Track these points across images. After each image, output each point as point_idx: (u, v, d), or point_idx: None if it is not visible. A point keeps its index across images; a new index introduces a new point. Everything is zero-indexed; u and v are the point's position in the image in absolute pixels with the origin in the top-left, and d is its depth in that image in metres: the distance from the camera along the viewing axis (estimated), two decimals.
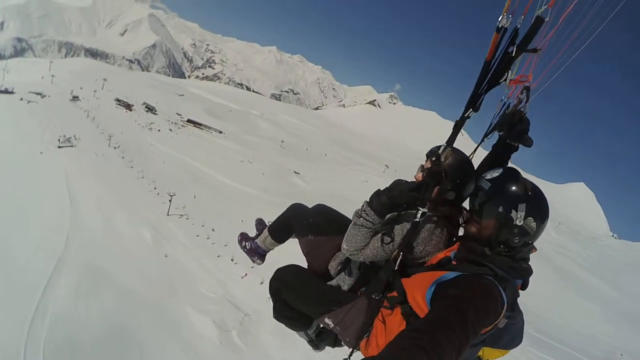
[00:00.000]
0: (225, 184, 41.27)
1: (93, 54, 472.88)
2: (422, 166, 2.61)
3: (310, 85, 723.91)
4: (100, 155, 31.83)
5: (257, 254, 3.62)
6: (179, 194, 25.55)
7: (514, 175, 2.30)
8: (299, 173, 68.07)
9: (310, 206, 3.43)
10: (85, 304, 13.28)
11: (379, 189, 2.36)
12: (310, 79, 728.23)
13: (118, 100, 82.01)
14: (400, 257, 2.32)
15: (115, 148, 38.48)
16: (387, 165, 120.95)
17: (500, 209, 2.17)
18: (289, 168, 68.49)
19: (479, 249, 2.20)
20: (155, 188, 27.84)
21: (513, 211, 2.15)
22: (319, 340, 3.16)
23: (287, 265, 3.00)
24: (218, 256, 22.24)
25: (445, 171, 2.37)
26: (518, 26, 1.94)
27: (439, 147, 2.56)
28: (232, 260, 22.93)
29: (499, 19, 1.93)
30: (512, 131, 2.37)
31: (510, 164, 2.65)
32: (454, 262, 2.22)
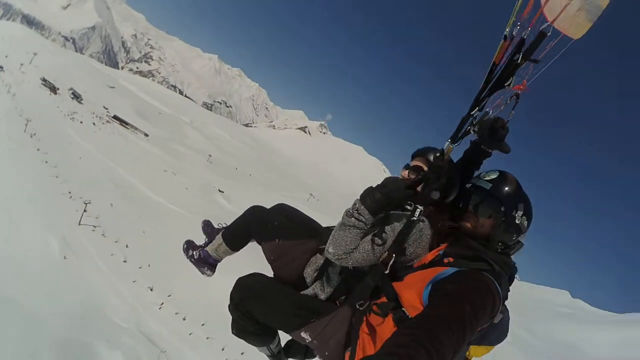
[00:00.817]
0: (146, 196, 38.39)
1: (30, 22, 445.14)
2: (409, 165, 2.68)
3: (244, 101, 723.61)
4: (14, 140, 27.64)
5: (207, 264, 3.28)
6: (93, 201, 23.11)
7: (511, 177, 2.43)
8: (223, 192, 66.16)
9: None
10: None
11: (371, 187, 2.30)
12: (246, 94, 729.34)
13: (44, 80, 76.39)
14: (393, 259, 2.26)
15: (31, 136, 33.89)
16: (311, 194, 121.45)
17: (502, 209, 2.28)
18: (214, 185, 66.36)
19: (475, 245, 2.25)
20: (69, 192, 24.32)
21: (514, 210, 2.29)
22: (286, 354, 2.96)
23: (252, 274, 2.76)
24: (134, 281, 20.02)
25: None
26: (524, 37, 2.13)
27: (428, 148, 2.71)
28: (150, 289, 21.08)
29: (507, 29, 2.19)
30: (492, 137, 2.41)
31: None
32: (449, 259, 2.22)
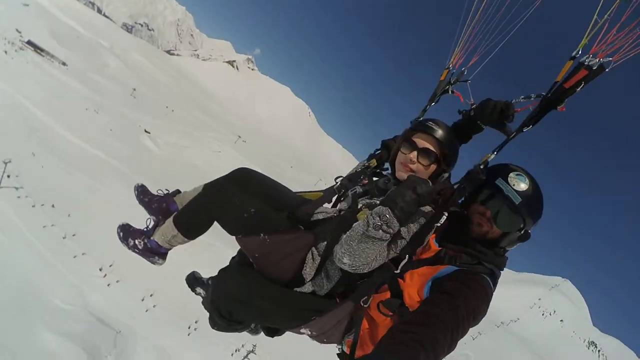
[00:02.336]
0: (68, 141, 34.30)
1: None
2: (407, 138, 2.51)
3: (167, 25, 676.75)
4: None
5: (158, 253, 2.88)
6: (8, 153, 19.93)
7: (540, 191, 2.33)
8: (149, 133, 61.54)
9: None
10: None
11: (398, 189, 2.18)
12: (170, 17, 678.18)
13: None
14: (405, 260, 2.22)
15: None
16: (239, 136, 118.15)
17: (522, 225, 2.22)
18: (139, 125, 61.29)
19: (482, 250, 2.23)
20: None
21: (533, 226, 2.27)
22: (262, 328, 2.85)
23: (232, 274, 2.53)
24: (74, 257, 18.16)
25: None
26: (593, 66, 2.10)
27: (430, 123, 2.51)
28: (83, 254, 19.34)
29: (578, 51, 2.12)
30: (499, 118, 2.35)
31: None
32: (451, 258, 2.23)
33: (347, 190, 2.73)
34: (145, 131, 61.58)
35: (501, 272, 2.32)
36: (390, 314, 2.21)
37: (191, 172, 52.91)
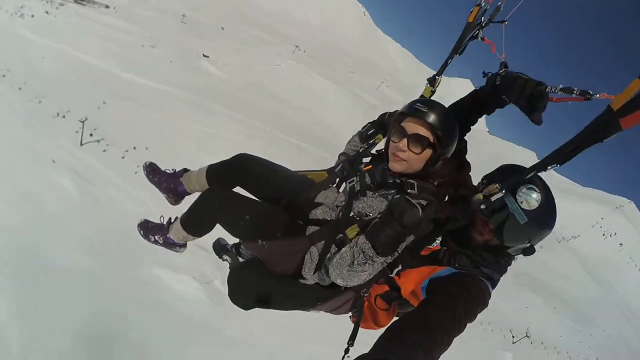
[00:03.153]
0: (132, 82, 34.07)
1: None
2: (403, 129, 2.48)
3: None
4: None
5: (177, 245, 3.27)
6: (79, 108, 19.94)
7: (552, 205, 2.17)
8: (208, 56, 60.15)
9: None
10: (36, 317, 9.66)
11: (379, 221, 2.08)
12: None
13: None
14: (399, 268, 2.37)
15: None
16: (297, 46, 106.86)
17: (528, 243, 2.24)
18: (197, 50, 59.99)
19: (481, 253, 2.23)
20: (58, 113, 19.27)
21: (539, 241, 2.24)
22: None
23: (241, 277, 2.66)
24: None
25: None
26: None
27: (430, 106, 2.38)
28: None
29: None
30: (529, 103, 1.98)
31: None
32: (448, 254, 2.29)
33: (345, 179, 2.74)
34: (204, 55, 60.29)
35: (501, 276, 2.38)
36: (387, 306, 2.61)
37: (257, 90, 51.56)
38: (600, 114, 1.62)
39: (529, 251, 2.20)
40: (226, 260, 2.88)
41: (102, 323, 9.86)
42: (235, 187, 2.99)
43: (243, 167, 2.93)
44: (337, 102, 58.71)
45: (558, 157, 1.77)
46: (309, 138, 42.17)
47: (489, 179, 2.35)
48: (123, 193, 16.32)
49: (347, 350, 2.48)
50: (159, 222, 3.44)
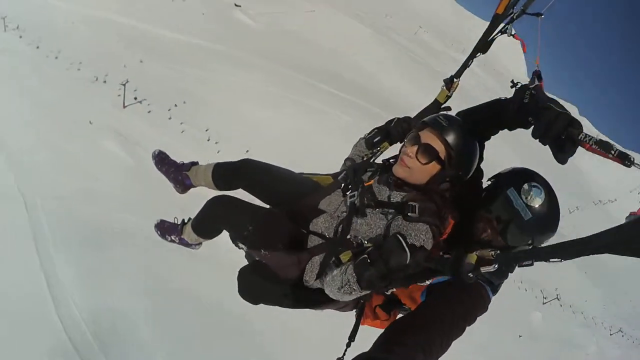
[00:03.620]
0: (166, 38, 33.28)
1: None
2: (418, 137, 2.37)
3: None
4: None
5: (193, 245, 3.43)
6: (117, 70, 19.42)
7: (556, 206, 2.09)
8: (240, 6, 57.87)
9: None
10: (104, 285, 9.57)
11: (365, 258, 2.07)
12: None
13: None
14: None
15: (14, 29, 24.54)
16: None
17: (530, 241, 2.10)
18: (227, 1, 57.71)
19: None
20: (97, 78, 19.12)
21: (543, 243, 2.11)
22: None
23: (247, 281, 2.68)
24: (218, 152, 17.65)
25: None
26: None
27: (449, 123, 2.35)
28: (218, 151, 19.16)
29: None
30: (557, 140, 1.78)
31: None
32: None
33: (348, 188, 2.66)
34: (236, 5, 58.28)
35: (503, 281, 2.29)
36: (387, 317, 2.56)
37: (292, 39, 50.41)
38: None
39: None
40: (242, 248, 2.83)
41: (161, 279, 9.72)
42: (238, 189, 3.01)
43: (248, 172, 2.98)
44: (375, 50, 55.34)
45: (567, 252, 1.57)
46: (343, 85, 40.28)
47: (495, 178, 2.32)
48: (172, 152, 15.78)
49: (348, 345, 2.47)
50: (174, 222, 3.53)
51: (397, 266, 1.98)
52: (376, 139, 2.83)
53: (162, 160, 3.48)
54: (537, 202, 2.01)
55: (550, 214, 2.07)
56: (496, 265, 1.80)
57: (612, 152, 1.67)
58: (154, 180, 12.93)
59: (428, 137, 2.32)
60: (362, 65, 49.26)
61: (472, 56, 2.61)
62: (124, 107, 16.87)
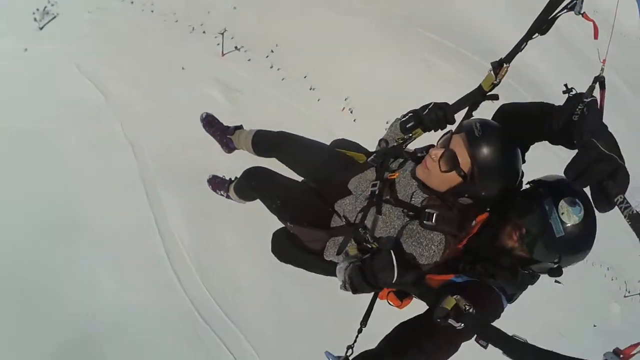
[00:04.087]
0: None
1: None
2: (449, 140, 2.21)
3: None
4: (94, 10, 22.61)
5: (240, 202, 3.75)
6: (210, 18, 18.75)
7: (593, 227, 1.90)
8: None
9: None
10: (208, 225, 9.07)
11: (358, 266, 2.17)
12: None
13: None
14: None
15: None
16: None
17: (557, 260, 1.97)
18: None
19: (500, 263, 2.02)
20: (194, 28, 19.68)
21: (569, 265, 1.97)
22: None
23: (281, 244, 2.94)
24: (318, 100, 16.41)
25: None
26: None
27: (483, 128, 2.13)
28: (318, 99, 17.97)
29: None
30: (601, 192, 1.57)
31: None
32: (465, 269, 2.11)
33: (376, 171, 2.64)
34: None
35: (521, 292, 2.18)
36: (399, 303, 2.57)
37: None
38: None
39: (555, 272, 1.93)
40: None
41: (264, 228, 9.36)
42: (274, 157, 3.22)
43: (282, 145, 3.18)
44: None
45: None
46: (452, 36, 36.10)
47: (535, 184, 2.09)
48: (273, 100, 14.99)
49: (360, 331, 2.47)
50: (223, 178, 3.94)
51: (384, 282, 2.01)
52: (409, 125, 2.61)
53: (209, 123, 3.80)
54: (573, 220, 1.82)
55: (584, 236, 1.86)
56: (462, 324, 1.69)
57: None
58: (255, 126, 12.09)
59: (457, 143, 2.14)
60: (475, 17, 43.88)
61: (527, 38, 2.21)
62: (223, 55, 16.01)
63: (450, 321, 1.74)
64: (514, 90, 21.77)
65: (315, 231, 2.66)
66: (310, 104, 16.63)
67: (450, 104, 2.56)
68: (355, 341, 2.37)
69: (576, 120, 1.76)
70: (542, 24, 2.12)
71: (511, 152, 2.06)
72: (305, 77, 19.80)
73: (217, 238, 9.12)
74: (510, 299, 2.14)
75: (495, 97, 2.46)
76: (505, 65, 2.36)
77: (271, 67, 17.19)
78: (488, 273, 2.02)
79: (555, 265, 1.95)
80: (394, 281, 1.97)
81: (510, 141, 2.07)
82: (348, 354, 2.31)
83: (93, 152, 9.33)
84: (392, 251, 2.03)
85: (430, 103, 2.59)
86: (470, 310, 1.72)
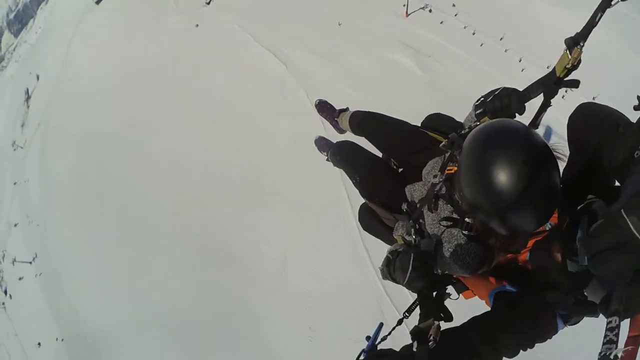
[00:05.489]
0: None
1: None
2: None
3: None
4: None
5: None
6: None
7: None
8: None
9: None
10: None
11: (398, 262, 2.13)
12: None
13: None
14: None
15: None
16: None
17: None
18: None
19: (556, 282, 1.91)
20: None
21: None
22: None
23: (364, 216, 3.15)
24: (522, 70, 14.04)
25: None
26: None
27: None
28: (505, 51, 15.22)
29: None
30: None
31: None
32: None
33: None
34: None
35: (582, 317, 2.00)
36: (457, 293, 2.53)
37: None
38: None
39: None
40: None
41: None
42: (363, 137, 3.40)
43: (368, 125, 3.37)
44: None
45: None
46: None
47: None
48: (469, 66, 12.50)
49: (400, 322, 2.20)
50: (329, 141, 4.22)
51: (397, 281, 2.01)
52: (478, 111, 2.33)
53: (322, 108, 4.34)
54: None
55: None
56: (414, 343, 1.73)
57: None
58: (449, 93, 10.46)
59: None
60: None
61: (605, 6, 1.79)
62: (407, 15, 13.86)
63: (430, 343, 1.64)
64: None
65: (384, 211, 2.78)
66: (515, 73, 13.94)
67: (521, 90, 2.18)
68: (393, 329, 2.13)
69: (638, 157, 1.26)
70: None
71: (554, 191, 1.69)
72: (501, 38, 16.80)
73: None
74: (568, 319, 1.92)
75: (574, 85, 2.06)
76: (581, 44, 1.95)
77: (464, 27, 14.81)
78: (539, 288, 1.86)
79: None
80: (403, 284, 1.94)
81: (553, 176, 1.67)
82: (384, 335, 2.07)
83: (284, 120, 9.45)
84: (412, 254, 1.96)
85: (499, 88, 2.31)
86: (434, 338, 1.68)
